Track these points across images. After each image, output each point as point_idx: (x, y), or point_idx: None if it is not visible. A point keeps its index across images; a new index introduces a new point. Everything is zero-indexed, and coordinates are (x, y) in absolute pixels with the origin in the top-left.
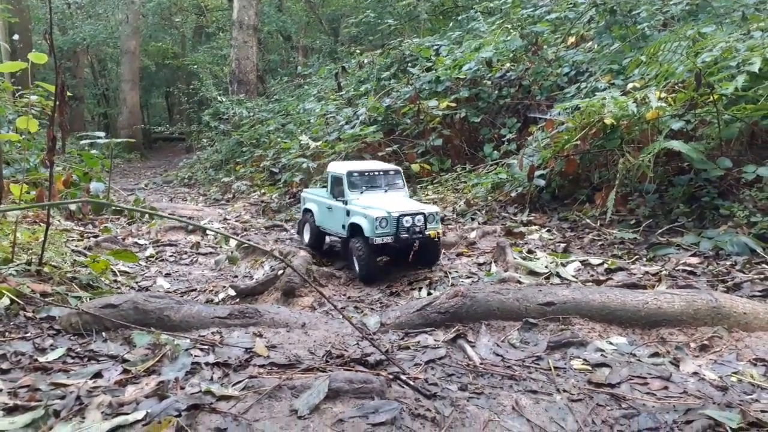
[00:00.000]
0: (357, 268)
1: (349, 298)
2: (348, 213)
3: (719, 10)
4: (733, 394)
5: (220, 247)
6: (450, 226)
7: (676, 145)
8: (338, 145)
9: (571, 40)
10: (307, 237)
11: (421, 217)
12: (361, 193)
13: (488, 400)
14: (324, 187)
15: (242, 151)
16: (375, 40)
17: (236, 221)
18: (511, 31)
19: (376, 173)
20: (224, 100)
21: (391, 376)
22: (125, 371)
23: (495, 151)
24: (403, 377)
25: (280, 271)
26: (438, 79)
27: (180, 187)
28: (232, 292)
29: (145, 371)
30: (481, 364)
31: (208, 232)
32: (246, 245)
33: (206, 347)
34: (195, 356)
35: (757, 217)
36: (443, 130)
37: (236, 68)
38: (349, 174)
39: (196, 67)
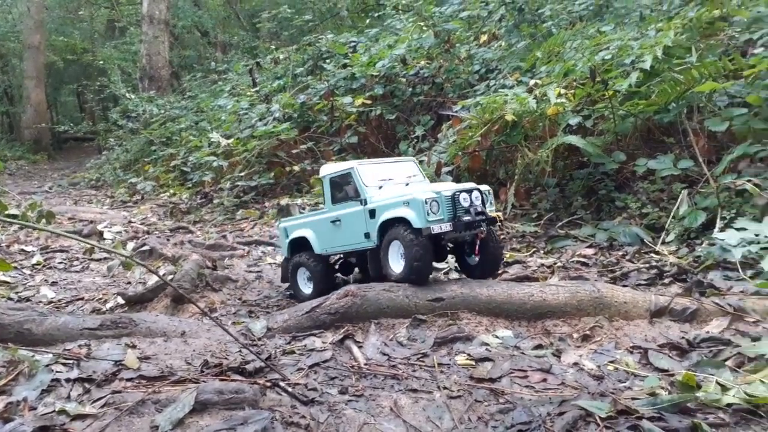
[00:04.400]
0: (398, 270)
1: (244, 302)
2: (372, 213)
3: (620, 11)
4: (608, 383)
5: (116, 255)
6: None
7: (574, 140)
8: (251, 143)
9: (483, 38)
10: (306, 285)
11: (477, 194)
12: (380, 188)
13: (367, 402)
14: (308, 209)
15: (152, 150)
16: (293, 36)
17: (141, 224)
18: (425, 28)
19: (390, 164)
20: (133, 97)
21: (269, 384)
22: None
23: (410, 149)
24: (282, 384)
25: (170, 276)
26: (353, 76)
27: (87, 189)
28: (121, 300)
29: None
30: (366, 364)
31: (104, 236)
32: (141, 250)
33: (71, 362)
34: (56, 372)
35: (648, 208)
36: (359, 128)
37: (147, 64)
38: (357, 169)
39: (102, 63)
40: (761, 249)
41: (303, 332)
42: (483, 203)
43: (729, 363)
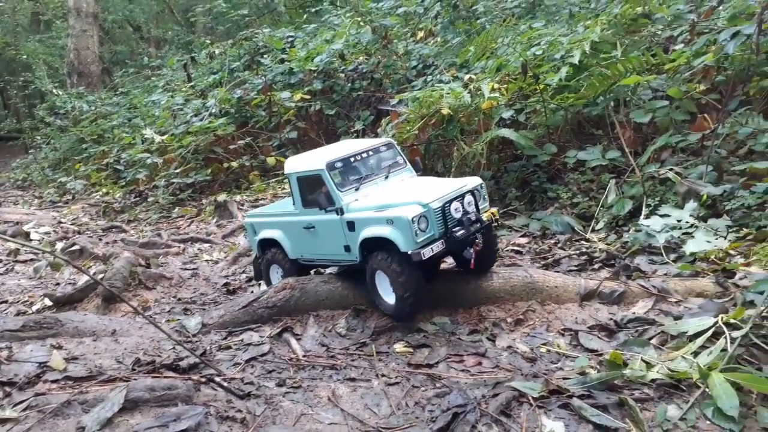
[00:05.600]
0: (391, 301)
1: (179, 300)
2: (352, 226)
3: (551, 8)
4: (540, 365)
5: (41, 253)
6: None
7: (506, 133)
8: (186, 139)
9: (420, 34)
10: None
11: (470, 197)
12: (357, 189)
13: (305, 393)
14: (282, 197)
15: (83, 148)
16: (229, 30)
17: (71, 224)
18: (362, 24)
19: (365, 155)
20: (61, 93)
21: (203, 380)
22: None
23: None
24: (217, 379)
25: (100, 275)
26: (291, 71)
27: (12, 190)
28: (49, 302)
29: None
30: (304, 356)
31: (31, 236)
32: (70, 250)
33: None
34: None
35: (578, 198)
36: (298, 123)
37: (75, 59)
38: (330, 167)
39: (27, 58)
40: (683, 234)
41: (240, 327)
42: (477, 205)
43: (653, 341)
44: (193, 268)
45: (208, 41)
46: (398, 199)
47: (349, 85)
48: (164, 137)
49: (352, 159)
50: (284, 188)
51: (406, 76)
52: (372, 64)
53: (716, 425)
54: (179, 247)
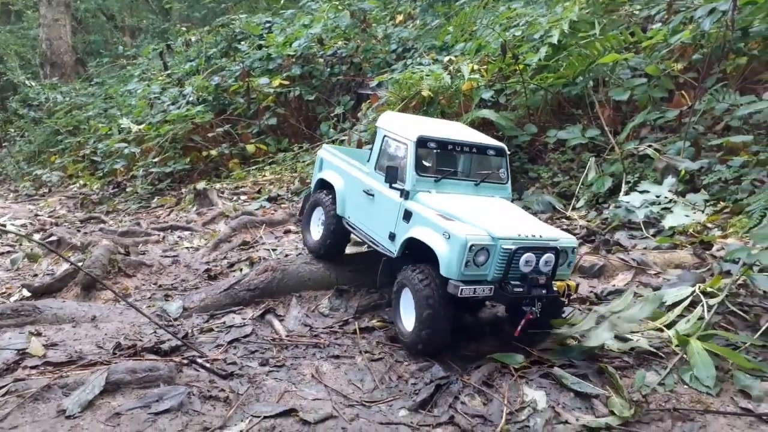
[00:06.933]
0: (408, 328)
1: (160, 286)
2: (408, 216)
3: None
4: (522, 337)
5: (19, 244)
6: (283, 205)
7: (487, 113)
8: (163, 128)
9: (399, 18)
10: (315, 233)
11: (550, 256)
12: (436, 182)
13: (288, 372)
14: (368, 147)
15: (59, 140)
16: (206, 17)
17: (48, 217)
18: (340, 8)
19: (469, 150)
20: (34, 84)
21: (185, 361)
22: None
23: (332, 129)
24: (200, 360)
25: (80, 263)
26: (269, 57)
27: None
28: (27, 293)
29: None
30: (288, 336)
31: (7, 229)
32: (47, 241)
33: None
34: None
35: (559, 177)
36: (277, 109)
37: (47, 49)
38: (421, 142)
39: None
40: (662, 209)
41: (222, 310)
42: (555, 268)
43: None
44: (174, 256)
45: (184, 29)
46: (470, 217)
47: (329, 70)
48: (141, 126)
49: (450, 146)
50: (264, 175)
51: (386, 60)
52: (351, 49)
53: (693, 389)
54: (159, 235)
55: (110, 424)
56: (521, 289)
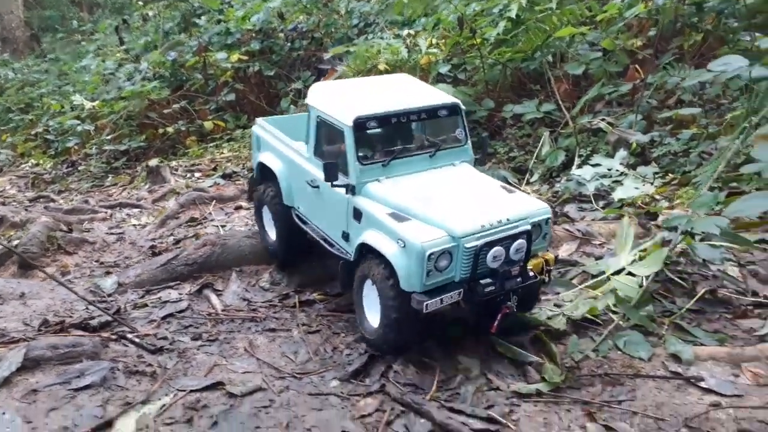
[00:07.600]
0: (374, 324)
1: (102, 264)
2: (358, 215)
3: None
4: (465, 309)
5: None
6: (238, 182)
7: (444, 88)
8: (118, 104)
9: None
10: (272, 233)
11: (521, 242)
12: (385, 166)
13: (221, 346)
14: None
15: (9, 118)
16: None
17: None
18: None
19: (417, 116)
20: None
21: (114, 337)
22: None
23: (292, 105)
24: (129, 336)
25: (16, 242)
26: (228, 31)
27: None
28: None
29: None
30: (224, 311)
31: None
32: None
33: None
34: None
35: (515, 152)
36: (236, 85)
37: None
38: (359, 126)
39: None
40: (613, 182)
41: (158, 285)
42: (528, 251)
43: (575, 281)
44: (119, 233)
45: (141, 3)
46: (426, 209)
47: (289, 45)
48: (95, 103)
49: (395, 119)
50: (222, 152)
51: (347, 35)
52: (312, 24)
53: (627, 355)
54: (106, 212)
55: (26, 401)
56: (493, 288)
